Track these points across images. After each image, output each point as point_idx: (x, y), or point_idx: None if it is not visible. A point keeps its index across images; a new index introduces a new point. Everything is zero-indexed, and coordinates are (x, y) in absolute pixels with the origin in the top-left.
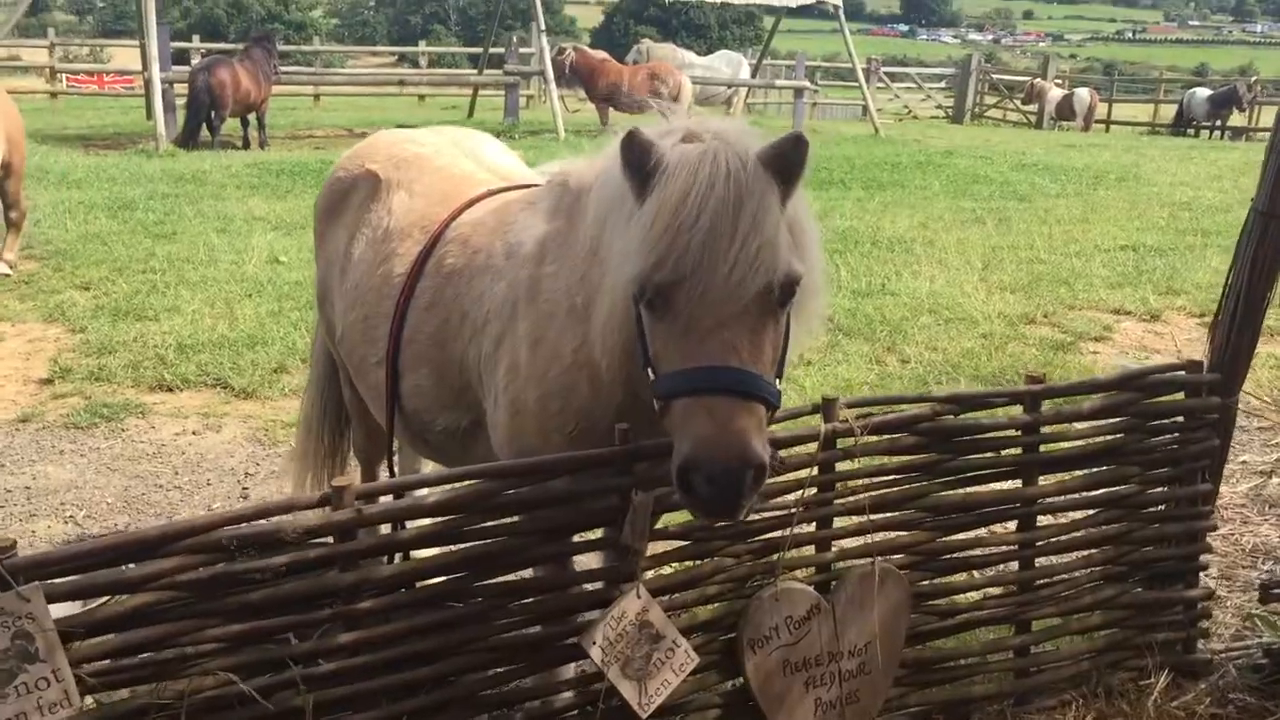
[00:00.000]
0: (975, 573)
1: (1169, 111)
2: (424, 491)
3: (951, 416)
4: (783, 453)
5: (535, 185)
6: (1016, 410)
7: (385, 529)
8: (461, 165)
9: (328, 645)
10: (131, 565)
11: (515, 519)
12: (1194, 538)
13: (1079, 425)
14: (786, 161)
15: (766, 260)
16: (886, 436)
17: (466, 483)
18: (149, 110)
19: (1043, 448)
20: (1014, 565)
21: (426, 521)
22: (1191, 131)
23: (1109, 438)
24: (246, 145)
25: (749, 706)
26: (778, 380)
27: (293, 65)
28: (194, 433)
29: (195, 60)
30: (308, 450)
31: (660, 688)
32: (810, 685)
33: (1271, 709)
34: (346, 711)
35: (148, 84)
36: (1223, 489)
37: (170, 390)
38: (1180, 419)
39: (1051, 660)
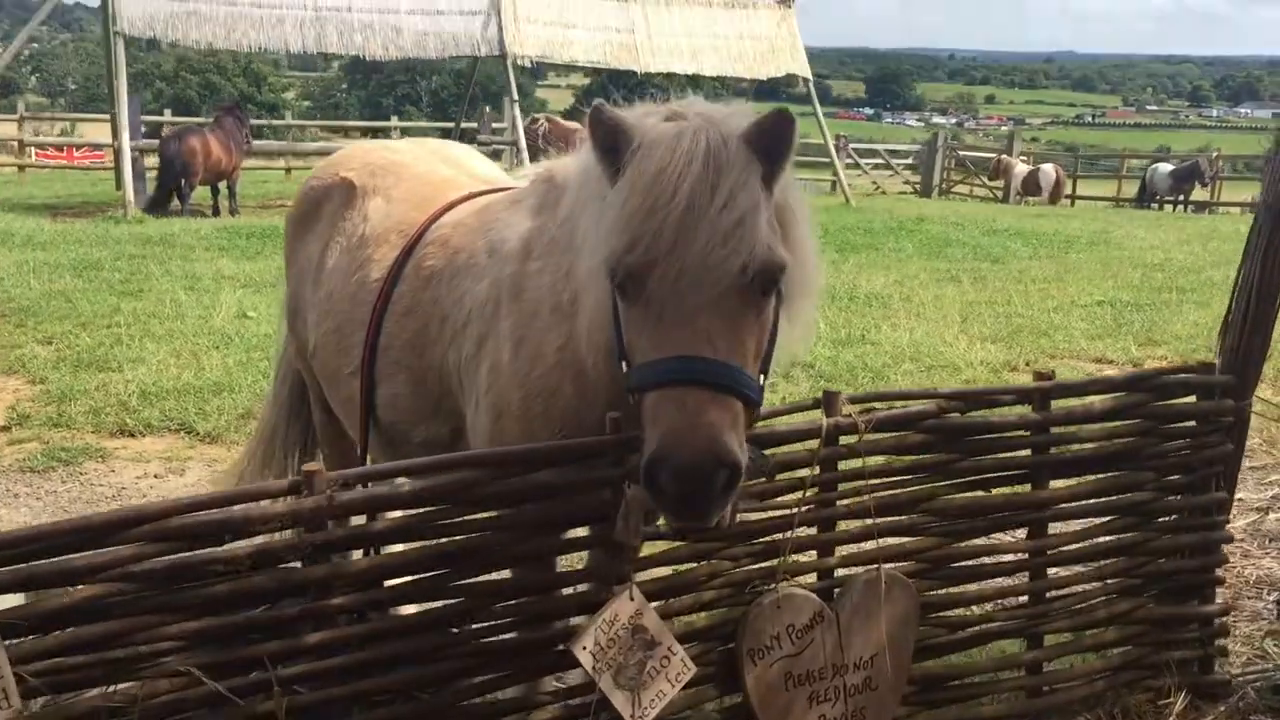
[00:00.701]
0: (985, 582)
1: (1132, 189)
2: (401, 481)
3: (958, 415)
4: (783, 449)
5: (519, 188)
6: (1025, 411)
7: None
8: (441, 171)
9: (295, 645)
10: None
11: (498, 514)
12: (1209, 549)
13: (1090, 427)
14: (770, 139)
15: (741, 238)
16: (891, 434)
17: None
18: (118, 180)
19: (1053, 451)
20: (1024, 575)
21: (401, 514)
22: (1155, 206)
23: (1121, 441)
24: (217, 213)
25: None
26: (762, 377)
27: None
28: (156, 476)
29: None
30: (266, 476)
31: (655, 699)
32: (814, 701)
33: None
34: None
35: (117, 153)
36: None
37: (132, 435)
38: (1193, 423)
39: (1065, 679)
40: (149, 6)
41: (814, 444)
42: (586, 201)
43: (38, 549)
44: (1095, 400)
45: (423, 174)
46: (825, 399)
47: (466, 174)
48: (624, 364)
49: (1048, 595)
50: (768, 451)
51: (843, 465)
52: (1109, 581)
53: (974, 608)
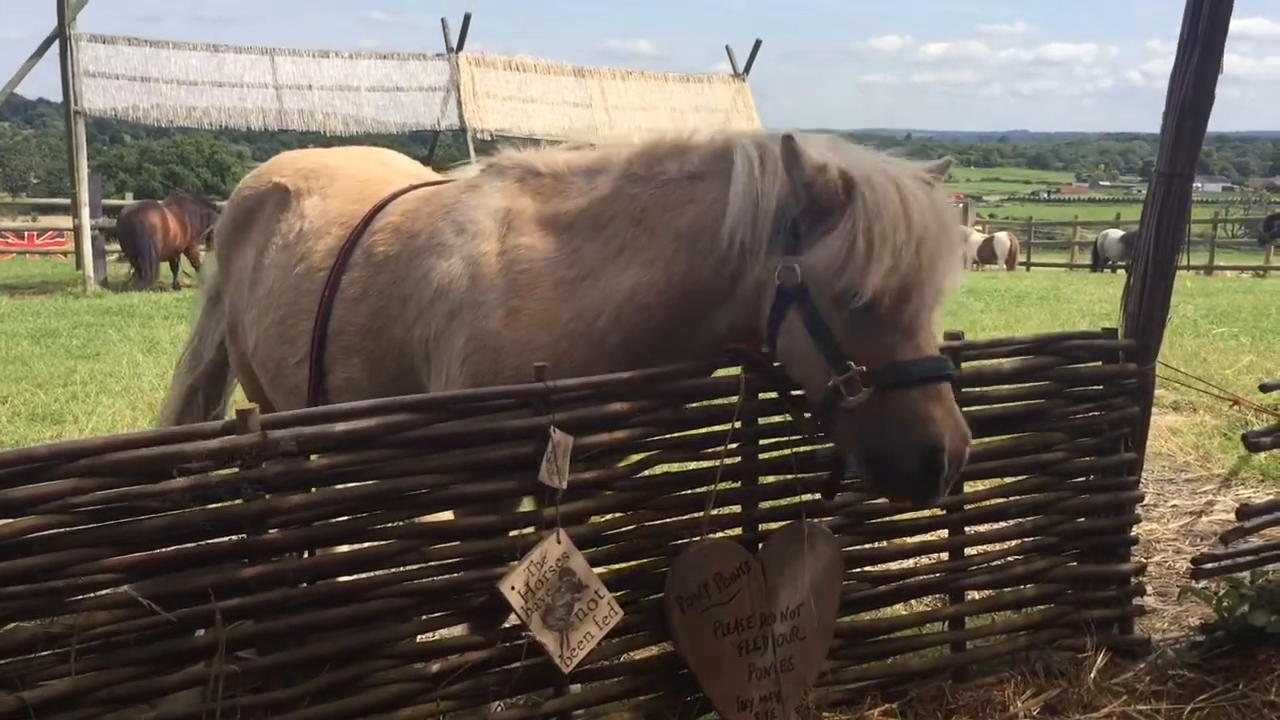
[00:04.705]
0: (906, 538)
1: (1086, 258)
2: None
3: None
4: (706, 403)
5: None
6: None
7: None
8: (374, 171)
9: (232, 579)
10: None
11: (426, 456)
12: (1122, 509)
13: (999, 388)
14: (939, 176)
15: (959, 261)
16: None
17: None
18: (78, 258)
19: (965, 409)
20: (943, 532)
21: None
22: (1108, 270)
23: (1029, 402)
24: (177, 288)
25: (681, 675)
26: None
27: None
28: None
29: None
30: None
31: (583, 641)
32: (743, 649)
33: (1212, 683)
34: (249, 651)
35: (77, 230)
36: (1155, 526)
37: None
38: (1099, 387)
39: (986, 633)
40: (109, 85)
41: (734, 399)
42: (740, 201)
43: None
44: (1004, 362)
45: (355, 174)
46: None
47: (399, 173)
48: (850, 364)
49: (966, 552)
50: (692, 405)
51: (764, 421)
52: (1025, 540)
53: (897, 563)
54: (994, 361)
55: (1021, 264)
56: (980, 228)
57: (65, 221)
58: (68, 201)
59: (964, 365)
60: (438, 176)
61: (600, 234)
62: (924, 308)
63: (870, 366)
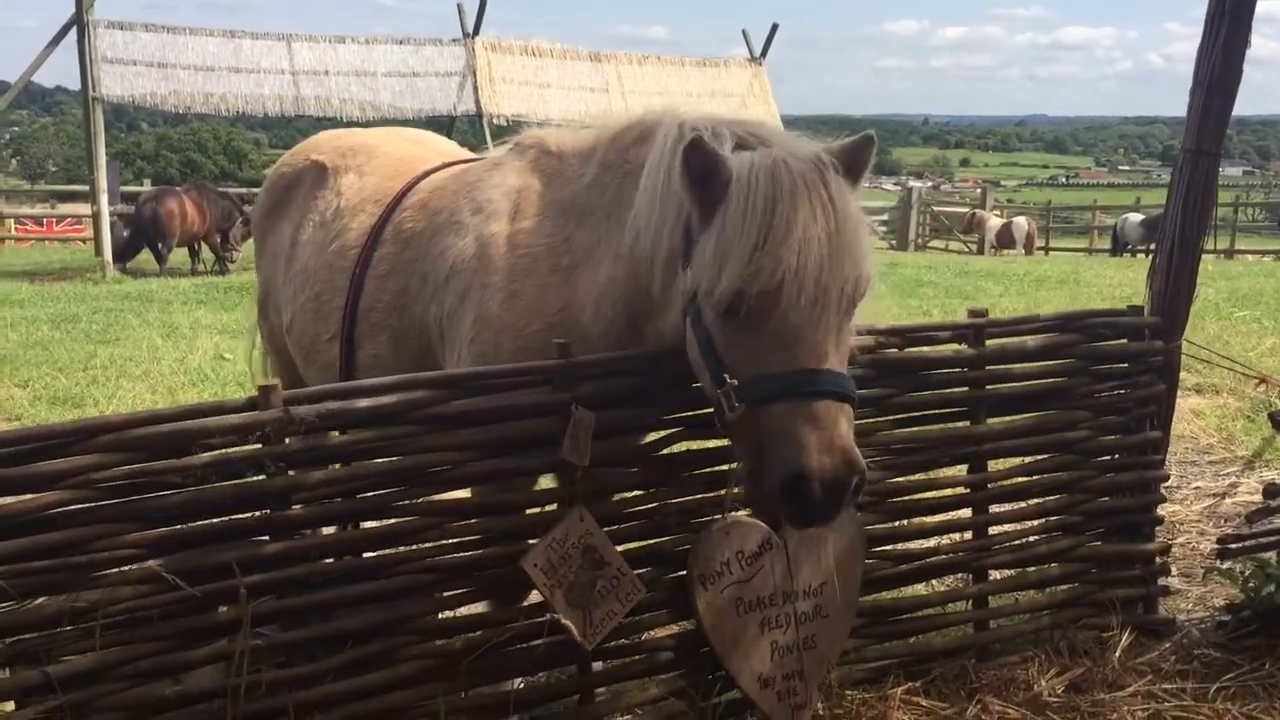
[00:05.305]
0: (928, 517)
1: (1105, 242)
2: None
3: (895, 350)
4: None
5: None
6: (961, 348)
7: None
8: (410, 149)
9: (255, 554)
10: None
11: (448, 433)
12: (1147, 488)
13: (1024, 366)
14: (856, 161)
15: (855, 260)
16: None
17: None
18: (97, 245)
19: (989, 388)
20: (967, 511)
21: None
22: (1128, 254)
23: (1054, 379)
24: (195, 274)
25: (703, 653)
26: None
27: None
28: None
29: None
30: None
31: (606, 618)
32: (766, 627)
33: (1238, 662)
34: (271, 627)
35: (95, 217)
36: (1178, 509)
37: None
38: (1125, 365)
39: (1010, 613)
40: (126, 71)
41: None
42: (646, 198)
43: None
44: (1028, 339)
45: (391, 151)
46: None
47: (434, 151)
48: (725, 377)
49: (990, 531)
50: None
51: None
52: (1049, 519)
53: (919, 542)
54: (1018, 339)
55: (1040, 249)
56: (999, 212)
57: (84, 208)
58: (86, 189)
59: (988, 343)
60: (473, 155)
61: (586, 222)
62: (797, 311)
63: (741, 379)
